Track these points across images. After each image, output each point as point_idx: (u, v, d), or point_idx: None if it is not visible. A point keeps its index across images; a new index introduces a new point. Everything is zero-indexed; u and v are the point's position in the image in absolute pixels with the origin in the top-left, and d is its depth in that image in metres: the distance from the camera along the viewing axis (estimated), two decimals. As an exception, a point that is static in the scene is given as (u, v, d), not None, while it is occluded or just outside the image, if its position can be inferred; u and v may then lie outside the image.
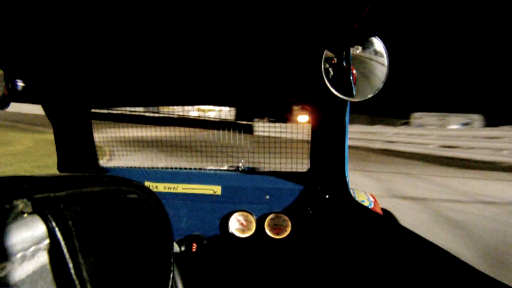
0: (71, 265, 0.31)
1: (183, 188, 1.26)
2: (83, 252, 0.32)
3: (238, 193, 1.23)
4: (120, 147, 1.57)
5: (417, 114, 13.99)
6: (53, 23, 0.72)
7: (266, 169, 1.42)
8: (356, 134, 13.08)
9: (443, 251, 0.63)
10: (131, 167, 1.42)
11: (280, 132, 1.38)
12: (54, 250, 0.31)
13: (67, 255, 0.31)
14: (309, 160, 1.25)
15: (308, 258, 1.17)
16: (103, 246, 0.35)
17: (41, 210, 0.30)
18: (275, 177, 1.27)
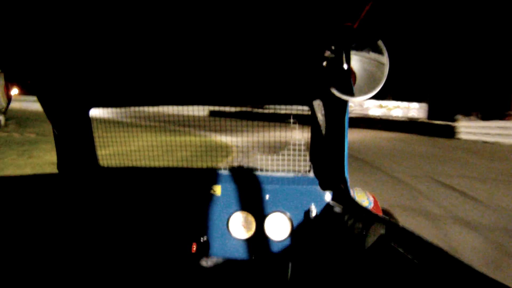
0: None
1: (182, 188, 1.26)
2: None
3: (238, 193, 1.23)
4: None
5: None
6: (53, 23, 0.72)
7: (266, 169, 1.42)
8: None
9: (443, 251, 0.63)
10: (131, 167, 1.42)
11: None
12: None
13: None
14: (309, 161, 1.25)
15: (308, 258, 1.17)
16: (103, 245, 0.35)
17: None
18: (275, 178, 1.27)
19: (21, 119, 11.17)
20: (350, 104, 1.11)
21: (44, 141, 7.60)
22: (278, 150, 1.32)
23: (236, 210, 1.21)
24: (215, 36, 0.79)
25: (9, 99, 1.03)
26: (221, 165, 1.62)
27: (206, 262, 1.20)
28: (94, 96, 1.25)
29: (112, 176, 1.32)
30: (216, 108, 1.35)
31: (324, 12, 0.64)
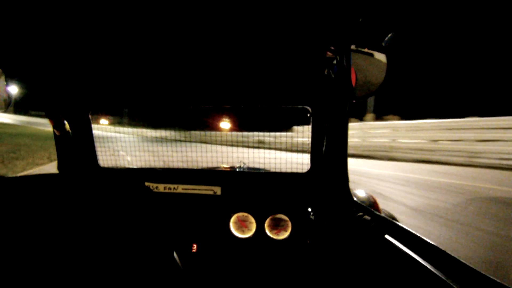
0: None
1: (183, 189, 1.26)
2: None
3: (238, 194, 1.23)
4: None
5: None
6: (53, 26, 0.72)
7: (266, 170, 1.42)
8: None
9: (443, 251, 0.63)
10: (131, 168, 1.42)
11: None
12: None
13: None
14: (309, 161, 1.25)
15: (308, 259, 1.16)
16: (103, 246, 0.35)
17: None
18: (276, 178, 1.27)
19: None
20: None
21: None
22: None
23: (236, 210, 1.21)
24: (215, 36, 0.80)
25: (9, 99, 1.04)
26: (222, 165, 1.62)
27: (206, 262, 1.20)
28: (94, 97, 1.26)
29: (112, 177, 1.32)
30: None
31: (325, 12, 0.64)
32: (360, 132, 12.74)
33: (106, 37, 0.80)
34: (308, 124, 1.19)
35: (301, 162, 1.29)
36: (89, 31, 0.76)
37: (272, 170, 1.36)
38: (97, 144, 1.39)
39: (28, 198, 0.37)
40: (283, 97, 1.14)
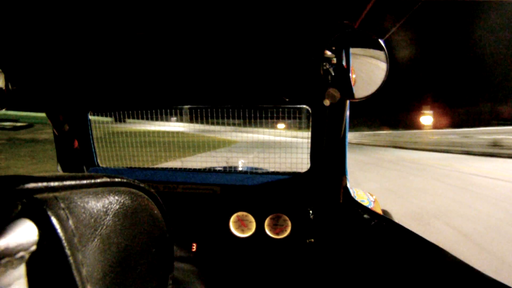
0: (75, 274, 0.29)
1: (182, 188, 1.26)
2: (83, 254, 0.31)
3: (238, 193, 1.23)
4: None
5: None
6: (53, 26, 0.72)
7: (266, 169, 1.42)
8: None
9: (443, 250, 0.63)
10: (131, 167, 1.42)
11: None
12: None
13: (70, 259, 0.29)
14: (309, 160, 1.25)
15: (308, 258, 1.17)
16: (101, 247, 0.35)
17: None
18: (275, 177, 1.27)
19: None
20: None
21: None
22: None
23: (236, 210, 1.21)
24: (214, 36, 0.80)
25: (9, 100, 1.03)
26: (221, 165, 1.62)
27: (205, 262, 1.20)
28: (94, 97, 1.26)
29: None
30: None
31: (324, 11, 0.64)
32: None
33: (105, 37, 0.80)
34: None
35: (300, 161, 1.29)
36: (89, 30, 0.76)
37: (272, 169, 1.36)
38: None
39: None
40: (282, 97, 1.14)
